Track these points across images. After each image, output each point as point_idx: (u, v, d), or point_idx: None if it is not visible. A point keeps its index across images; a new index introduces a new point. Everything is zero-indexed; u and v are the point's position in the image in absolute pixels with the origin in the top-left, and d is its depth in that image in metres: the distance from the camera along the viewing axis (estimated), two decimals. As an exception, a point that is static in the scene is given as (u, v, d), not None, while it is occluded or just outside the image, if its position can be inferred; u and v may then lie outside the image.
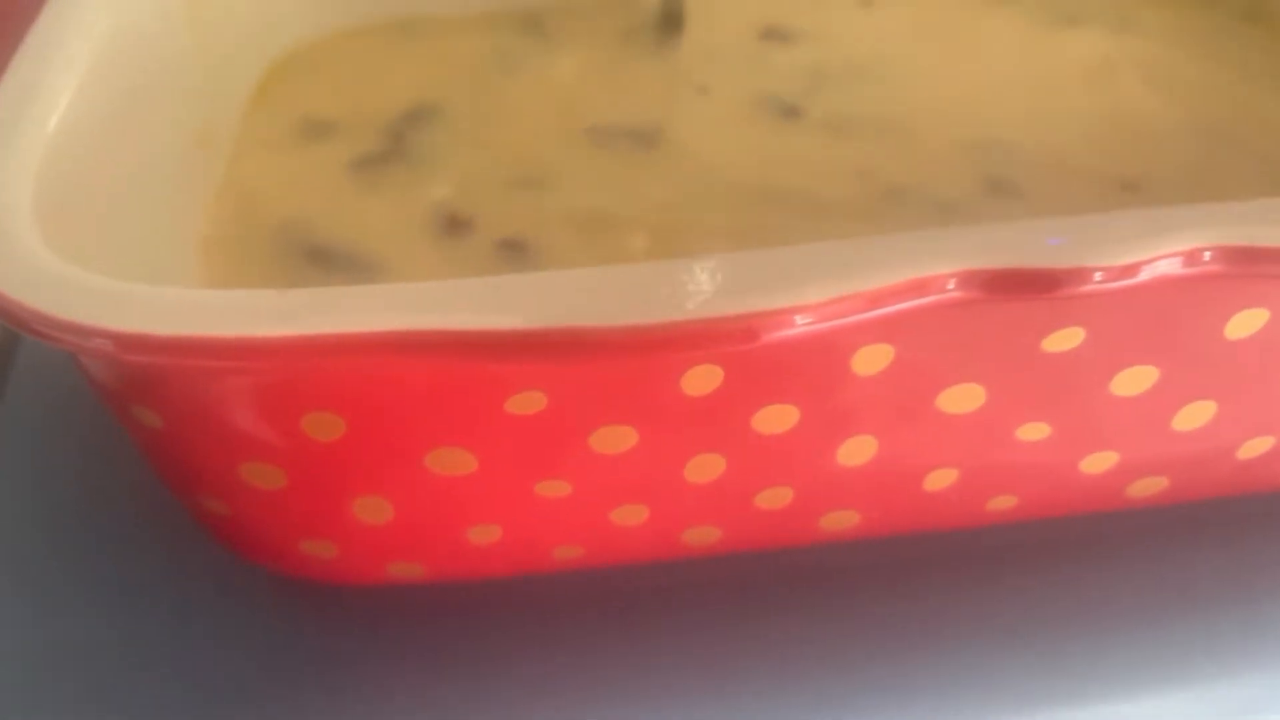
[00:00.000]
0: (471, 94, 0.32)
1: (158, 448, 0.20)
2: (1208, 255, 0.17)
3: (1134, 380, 0.20)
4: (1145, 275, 0.16)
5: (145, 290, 0.17)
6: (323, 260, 0.27)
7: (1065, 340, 0.19)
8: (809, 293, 0.16)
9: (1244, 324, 0.19)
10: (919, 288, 0.16)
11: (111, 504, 0.25)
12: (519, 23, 0.35)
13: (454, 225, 0.28)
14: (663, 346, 0.16)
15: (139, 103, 0.26)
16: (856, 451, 0.20)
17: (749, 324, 0.16)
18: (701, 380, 0.18)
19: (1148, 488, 0.23)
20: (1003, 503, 0.22)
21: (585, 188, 0.29)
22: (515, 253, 0.27)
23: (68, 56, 0.23)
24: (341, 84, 0.33)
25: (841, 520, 0.22)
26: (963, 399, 0.19)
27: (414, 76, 0.33)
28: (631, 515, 0.21)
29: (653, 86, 0.33)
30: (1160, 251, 0.16)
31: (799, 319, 0.16)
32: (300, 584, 0.24)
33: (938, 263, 0.16)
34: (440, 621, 0.24)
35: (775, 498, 0.21)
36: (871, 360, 0.18)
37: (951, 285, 0.16)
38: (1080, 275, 0.16)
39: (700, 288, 0.16)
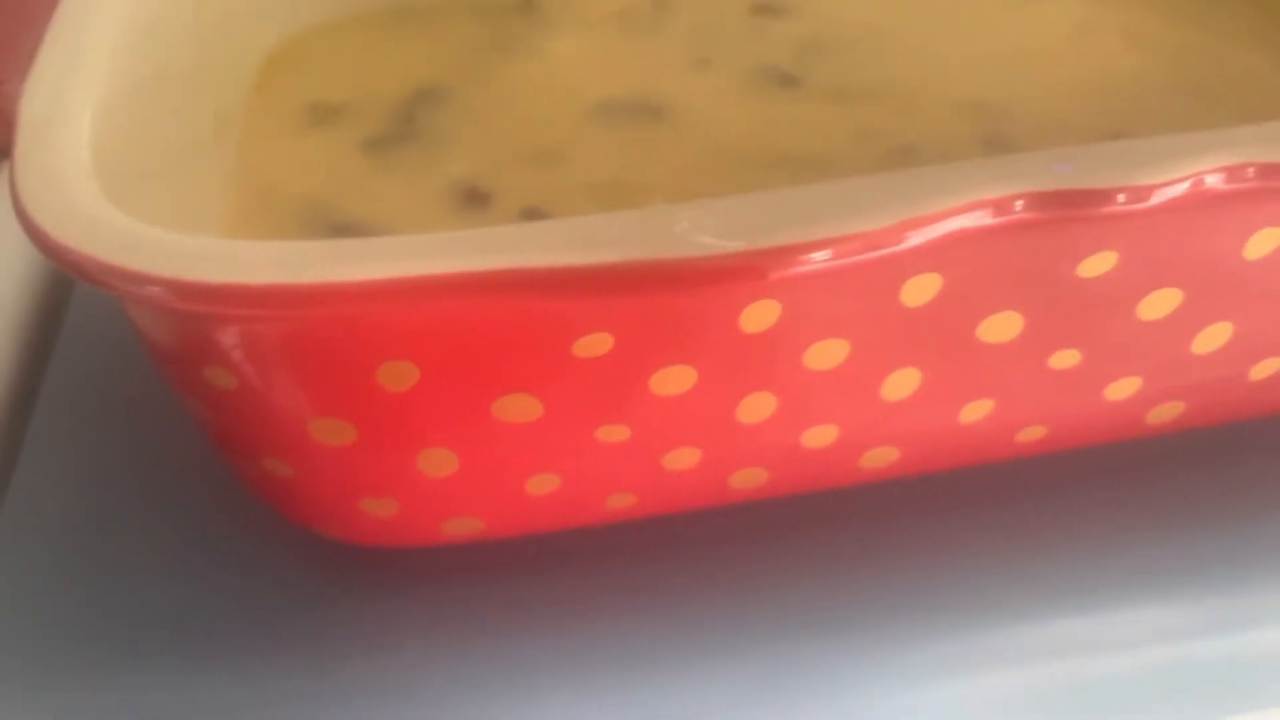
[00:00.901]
0: (474, 76, 0.33)
1: (225, 411, 0.20)
2: (1251, 171, 0.18)
3: (1160, 303, 0.21)
4: (1192, 189, 0.17)
5: (224, 243, 0.18)
6: (349, 236, 0.28)
7: (1099, 264, 0.20)
8: (876, 219, 0.17)
9: (1262, 243, 0.20)
10: (981, 209, 0.17)
11: (155, 468, 0.26)
12: (514, 6, 0.35)
13: (473, 198, 0.29)
14: (738, 275, 0.17)
15: (157, 88, 0.26)
16: (901, 385, 0.21)
17: (824, 247, 0.17)
18: (760, 316, 0.19)
19: (1166, 413, 0.24)
20: (1031, 433, 0.23)
21: (598, 160, 0.30)
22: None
23: (100, 29, 0.24)
24: (343, 70, 0.33)
25: (881, 457, 0.23)
26: (1002, 327, 0.20)
27: (414, 61, 0.34)
28: (684, 459, 0.22)
29: (651, 62, 0.33)
30: (1208, 166, 0.17)
31: (868, 243, 0.17)
32: (344, 549, 0.24)
33: (999, 186, 0.17)
34: (477, 586, 0.25)
35: (821, 436, 0.22)
36: (920, 291, 0.19)
37: (1020, 205, 0.17)
38: (1136, 192, 0.17)
39: (770, 219, 0.17)
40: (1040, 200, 0.17)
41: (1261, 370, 0.23)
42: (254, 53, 0.33)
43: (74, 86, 0.22)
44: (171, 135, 0.27)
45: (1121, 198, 0.17)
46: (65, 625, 0.24)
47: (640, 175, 0.29)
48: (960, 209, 0.17)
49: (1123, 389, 0.23)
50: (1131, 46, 0.33)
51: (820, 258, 0.17)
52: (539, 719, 0.23)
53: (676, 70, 0.33)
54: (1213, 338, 0.22)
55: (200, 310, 0.18)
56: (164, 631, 0.24)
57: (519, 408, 0.20)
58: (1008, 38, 0.33)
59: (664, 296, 0.18)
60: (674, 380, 0.20)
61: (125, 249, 0.17)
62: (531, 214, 0.28)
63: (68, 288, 0.31)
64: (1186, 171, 0.17)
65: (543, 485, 0.22)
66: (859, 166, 0.30)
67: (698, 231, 0.17)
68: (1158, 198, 0.17)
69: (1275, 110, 0.30)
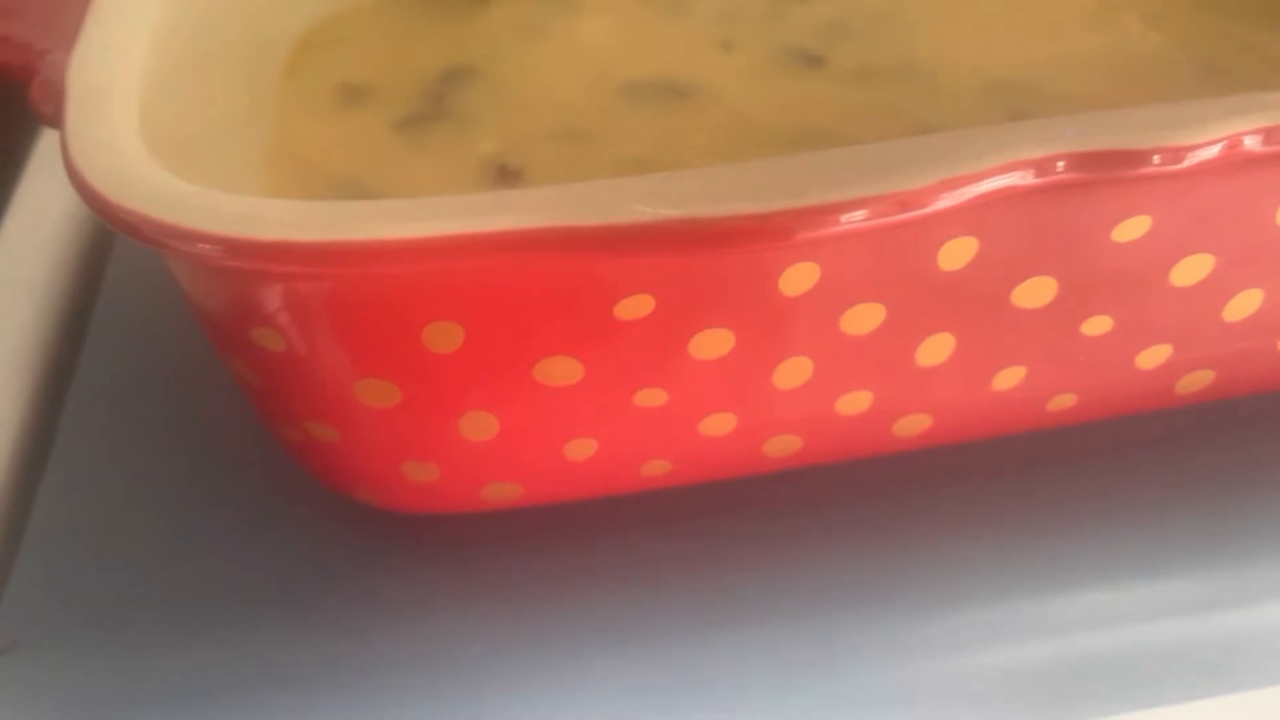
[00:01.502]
0: (503, 57, 0.33)
1: (272, 373, 0.21)
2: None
3: (1192, 269, 0.21)
4: (1227, 150, 0.17)
5: (274, 203, 0.18)
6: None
7: (1133, 229, 0.20)
8: (922, 177, 0.17)
9: (1293, 209, 0.20)
10: (1021, 168, 0.17)
11: (193, 436, 0.26)
12: (540, -11, 0.36)
13: (505, 175, 0.29)
14: (781, 233, 0.17)
15: (195, 66, 0.27)
16: (936, 350, 0.22)
17: (856, 208, 0.17)
18: (799, 279, 0.19)
19: (1195, 382, 0.24)
20: (1062, 402, 0.24)
21: (627, 139, 0.30)
22: (571, 197, 0.28)
23: (138, 15, 0.24)
24: (371, 53, 0.34)
25: (914, 425, 0.23)
26: (1036, 293, 0.21)
27: (442, 43, 0.34)
28: (720, 424, 0.22)
29: (676, 45, 0.34)
30: (1245, 127, 0.17)
31: (904, 203, 0.17)
32: (384, 517, 0.25)
33: (1038, 147, 0.17)
34: (514, 556, 0.25)
35: (855, 402, 0.22)
36: (957, 255, 0.20)
37: (1061, 166, 0.17)
38: (1174, 153, 0.17)
39: (812, 179, 0.17)
40: (1080, 161, 0.17)
41: (1295, 337, 0.24)
42: (287, 33, 0.33)
43: (121, 59, 0.22)
44: (209, 113, 0.27)
45: (1157, 158, 0.17)
46: (106, 589, 0.25)
47: (668, 153, 0.30)
48: (999, 169, 0.17)
49: (1154, 357, 0.23)
50: (1153, 26, 0.33)
51: (856, 218, 0.17)
52: (574, 686, 0.23)
53: (702, 51, 0.34)
54: (1244, 305, 0.22)
55: (251, 268, 0.18)
56: (203, 597, 0.24)
57: (560, 370, 0.20)
58: (1030, 17, 0.33)
59: (703, 256, 0.18)
60: (713, 344, 0.20)
61: (178, 209, 0.18)
62: (564, 190, 0.29)
63: (104, 255, 0.31)
64: (1224, 133, 0.17)
65: (581, 450, 0.22)
66: (887, 144, 0.30)
67: (734, 193, 0.17)
68: (1193, 158, 0.18)
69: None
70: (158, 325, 0.27)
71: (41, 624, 0.24)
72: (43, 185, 0.32)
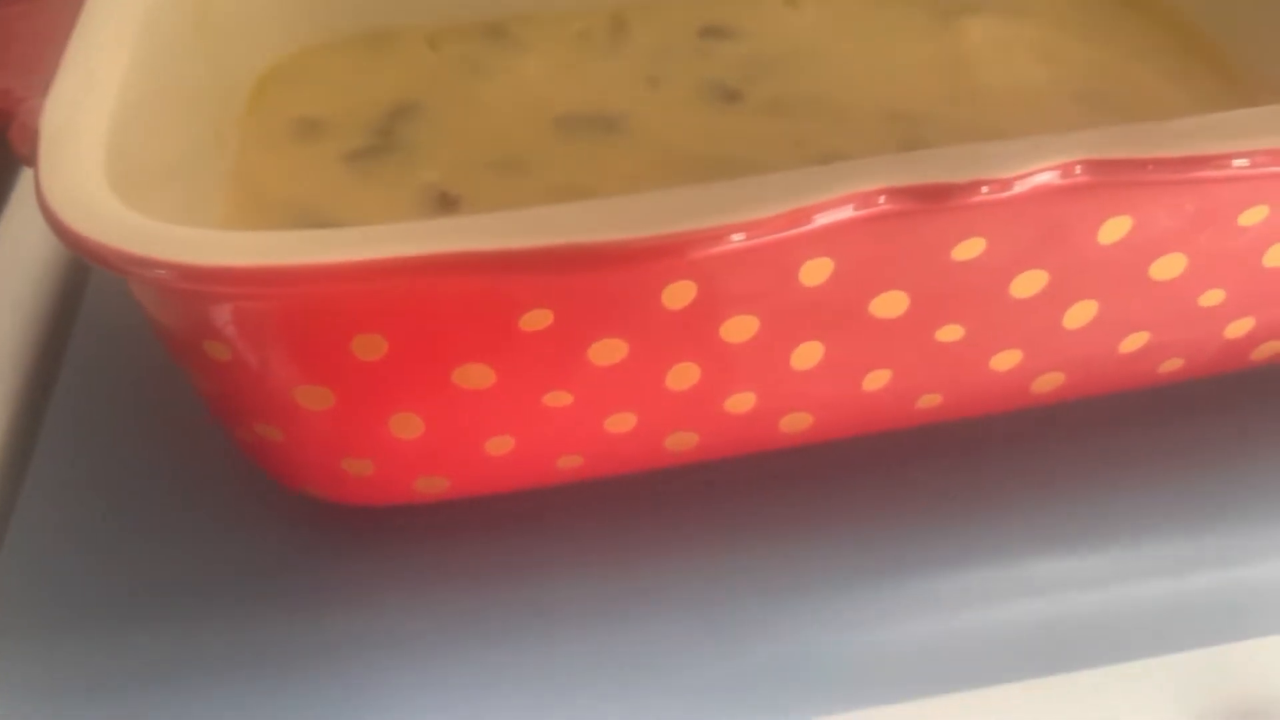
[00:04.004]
0: (448, 93, 0.36)
1: (222, 381, 0.24)
2: (1078, 169, 0.21)
3: (1029, 283, 0.24)
4: (1027, 186, 0.21)
5: (217, 233, 0.21)
6: (331, 236, 0.31)
7: (971, 249, 0.23)
8: (764, 209, 0.20)
9: (1113, 230, 0.23)
10: (850, 203, 0.20)
11: (162, 440, 0.29)
12: (484, 30, 0.39)
13: (444, 203, 0.32)
14: (649, 256, 0.20)
15: (162, 105, 0.29)
16: (807, 356, 0.24)
17: (719, 235, 0.20)
18: (678, 294, 0.22)
19: (1048, 383, 0.27)
20: (929, 401, 0.27)
21: (559, 168, 0.33)
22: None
23: (111, 55, 0.27)
24: (327, 89, 0.37)
25: (798, 422, 0.26)
26: (891, 305, 0.24)
27: (393, 80, 0.37)
28: (622, 423, 0.25)
29: (608, 80, 0.37)
30: (1041, 165, 0.20)
31: (756, 231, 0.20)
32: (333, 512, 0.27)
33: (864, 182, 0.20)
34: (454, 544, 0.28)
35: (741, 402, 0.25)
36: (815, 272, 0.23)
37: (882, 200, 0.20)
38: (972, 187, 0.20)
39: (677, 211, 0.20)
40: (897, 194, 0.20)
41: (1131, 344, 0.26)
42: (248, 73, 0.36)
43: (90, 103, 0.25)
44: (175, 147, 0.30)
45: (966, 192, 0.20)
46: (79, 584, 0.27)
47: (595, 182, 0.33)
48: (831, 203, 0.20)
49: (1006, 360, 0.26)
50: (1042, 60, 0.36)
51: (716, 243, 0.20)
52: (509, 662, 0.26)
53: (631, 86, 0.37)
54: (1081, 314, 0.25)
55: (197, 290, 0.21)
56: (169, 589, 0.27)
57: (475, 376, 0.23)
58: (928, 52, 0.36)
59: (587, 275, 0.21)
60: (608, 351, 0.23)
61: (134, 238, 0.21)
62: (496, 216, 0.32)
63: (83, 280, 0.34)
64: (1020, 170, 0.20)
65: (500, 447, 0.25)
66: (792, 171, 0.33)
67: (616, 221, 0.20)
68: (998, 191, 0.21)
69: (1165, 117, 0.34)
70: (131, 340, 0.30)
71: (21, 615, 0.27)
72: (26, 216, 0.35)
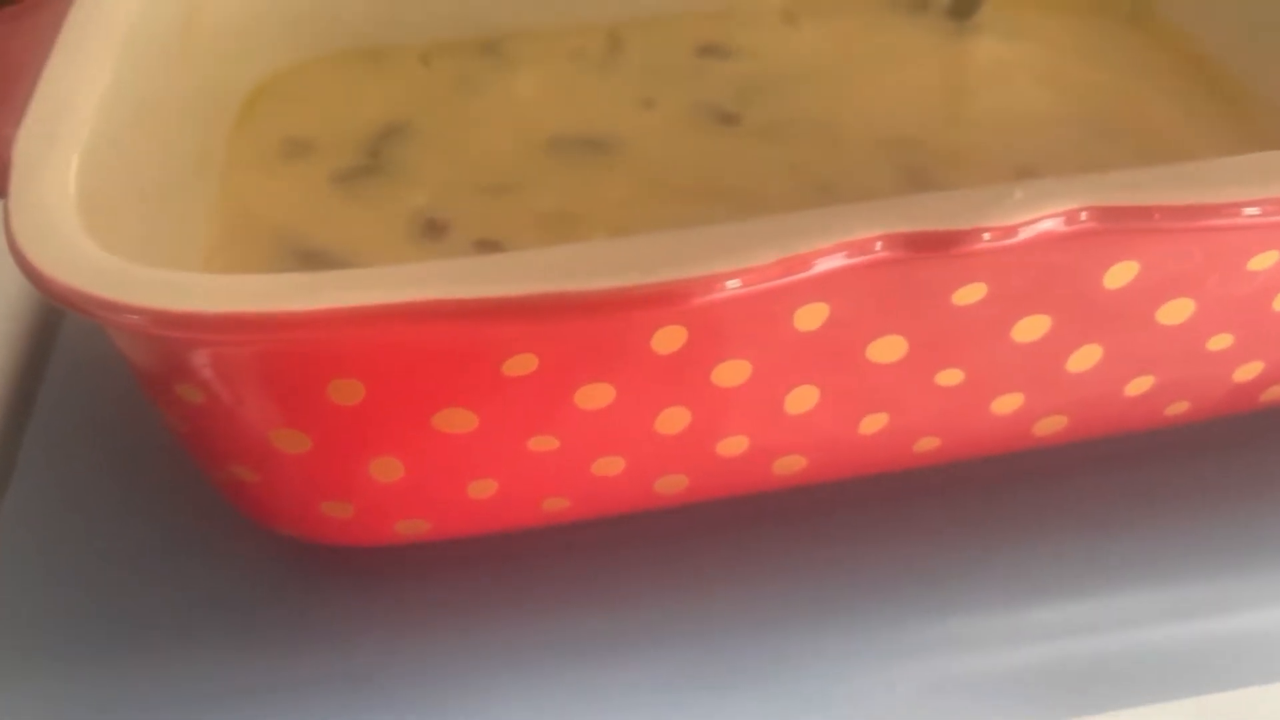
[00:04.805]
0: (439, 113, 0.36)
1: (196, 422, 0.23)
2: (1083, 216, 0.21)
3: (1031, 328, 0.23)
4: (1031, 234, 0.20)
5: (190, 276, 0.20)
6: (316, 264, 0.30)
7: (971, 294, 0.22)
8: (759, 256, 0.19)
9: (1119, 275, 0.23)
10: (848, 249, 0.19)
11: (138, 478, 0.28)
12: (478, 47, 0.38)
13: (432, 228, 0.31)
14: (639, 305, 0.20)
15: (144, 129, 0.29)
16: (801, 400, 0.24)
17: (712, 283, 0.19)
18: (668, 339, 0.22)
19: (1051, 426, 0.26)
20: (928, 444, 0.26)
21: (549, 192, 0.33)
22: (490, 251, 0.30)
23: (91, 77, 0.26)
24: (316, 108, 0.36)
25: (791, 465, 0.26)
26: (888, 349, 0.23)
27: (383, 99, 0.36)
28: (611, 466, 0.24)
29: (601, 101, 0.36)
30: (1045, 212, 0.20)
31: (751, 279, 0.19)
32: (311, 549, 0.27)
33: (862, 228, 0.19)
34: (433, 583, 0.27)
35: (733, 445, 0.25)
36: (810, 318, 0.22)
37: (879, 246, 0.19)
38: (974, 235, 0.19)
39: (668, 256, 0.20)
40: (896, 241, 0.19)
41: (1137, 387, 0.26)
42: (234, 92, 0.35)
43: (63, 132, 0.24)
44: (158, 169, 0.29)
45: (968, 240, 0.19)
46: (56, 623, 0.26)
47: (585, 207, 0.32)
48: (828, 250, 0.19)
49: (1007, 404, 0.25)
50: (1044, 84, 0.35)
51: (709, 291, 0.19)
52: (492, 705, 0.25)
53: (624, 107, 0.36)
54: (1085, 358, 0.24)
55: (170, 335, 0.20)
56: (145, 628, 0.26)
57: (457, 420, 0.22)
58: (929, 77, 0.36)
59: (575, 323, 0.20)
60: (595, 396, 0.23)
61: (105, 282, 0.20)
62: (484, 244, 0.31)
63: (59, 314, 0.34)
64: (1023, 217, 0.20)
65: (483, 490, 0.24)
66: (788, 199, 0.32)
67: (605, 267, 0.20)
68: (1001, 239, 0.20)
69: (1167, 140, 0.33)
70: (108, 374, 0.29)
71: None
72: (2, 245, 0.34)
